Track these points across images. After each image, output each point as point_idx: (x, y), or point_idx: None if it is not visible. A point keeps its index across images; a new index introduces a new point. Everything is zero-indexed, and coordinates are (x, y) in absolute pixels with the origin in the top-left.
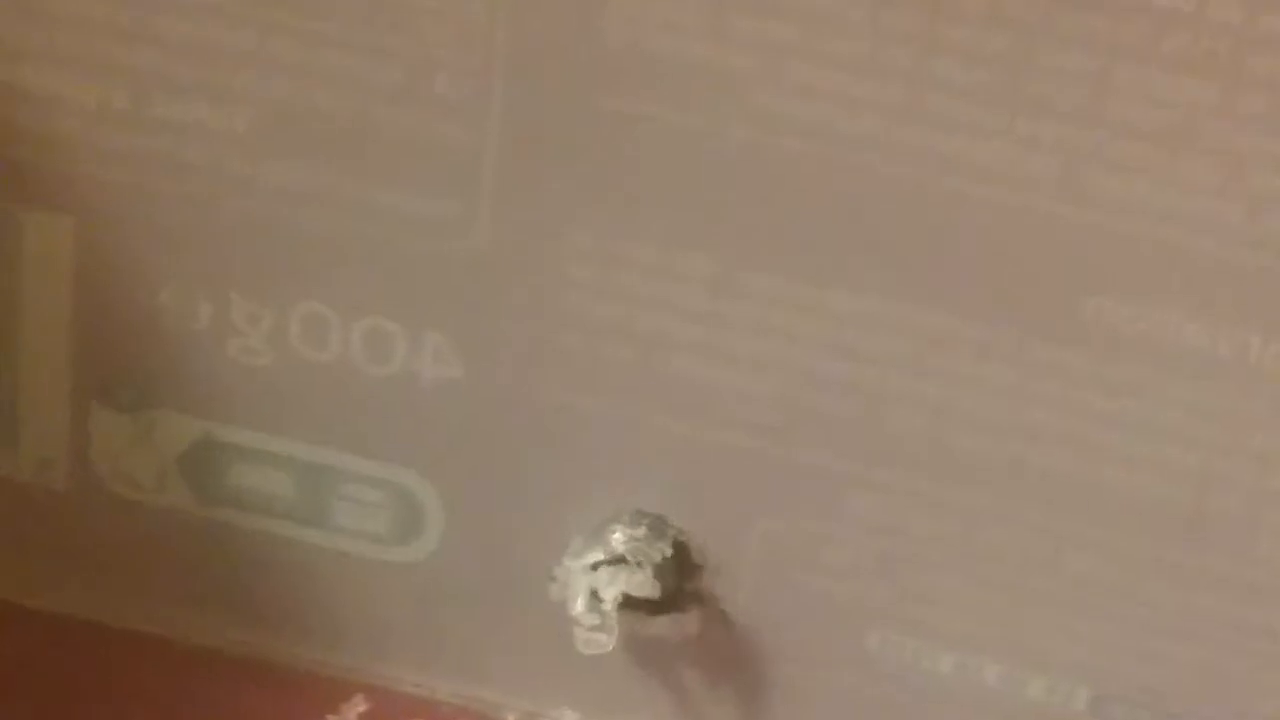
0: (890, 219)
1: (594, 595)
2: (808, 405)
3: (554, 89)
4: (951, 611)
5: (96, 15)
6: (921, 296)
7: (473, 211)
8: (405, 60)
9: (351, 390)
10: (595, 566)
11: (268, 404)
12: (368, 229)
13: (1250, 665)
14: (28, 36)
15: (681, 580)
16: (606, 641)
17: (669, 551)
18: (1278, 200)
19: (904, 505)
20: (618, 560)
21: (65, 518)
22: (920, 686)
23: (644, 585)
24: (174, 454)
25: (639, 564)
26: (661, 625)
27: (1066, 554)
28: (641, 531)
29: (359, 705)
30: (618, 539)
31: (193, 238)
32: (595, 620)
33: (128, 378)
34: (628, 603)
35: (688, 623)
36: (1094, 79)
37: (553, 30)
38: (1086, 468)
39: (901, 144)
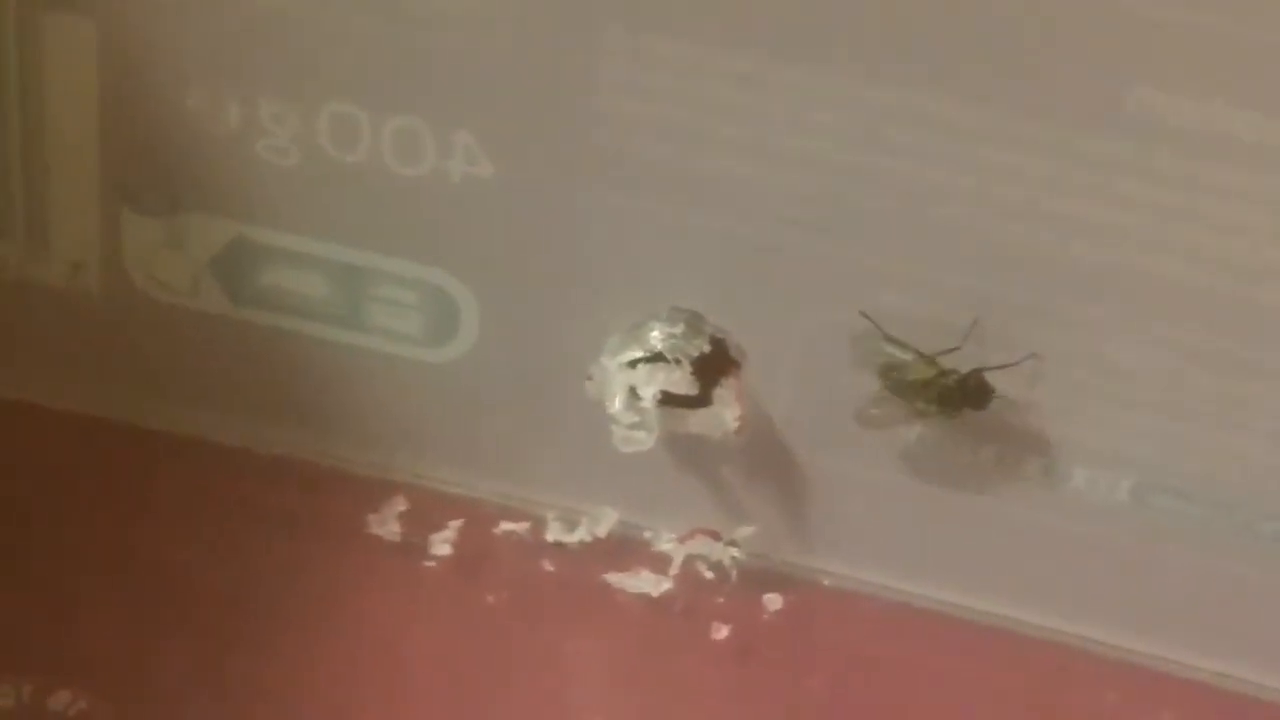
0: (926, 10)
1: (632, 393)
2: (846, 200)
3: None
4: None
5: None
6: (959, 89)
7: (501, 11)
8: None
9: (382, 191)
10: (633, 364)
11: (298, 205)
12: (396, 27)
13: None
14: None
15: (720, 377)
16: (646, 439)
17: (707, 348)
18: None
19: (943, 298)
20: (656, 357)
21: (100, 322)
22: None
23: (682, 382)
24: (206, 257)
25: (677, 361)
26: (700, 423)
27: (1108, 345)
28: (679, 328)
29: (399, 505)
30: (655, 336)
31: (216, 38)
32: (634, 418)
33: (157, 181)
34: (667, 400)
35: (727, 420)
36: None
37: None
38: (1131, 259)
39: None
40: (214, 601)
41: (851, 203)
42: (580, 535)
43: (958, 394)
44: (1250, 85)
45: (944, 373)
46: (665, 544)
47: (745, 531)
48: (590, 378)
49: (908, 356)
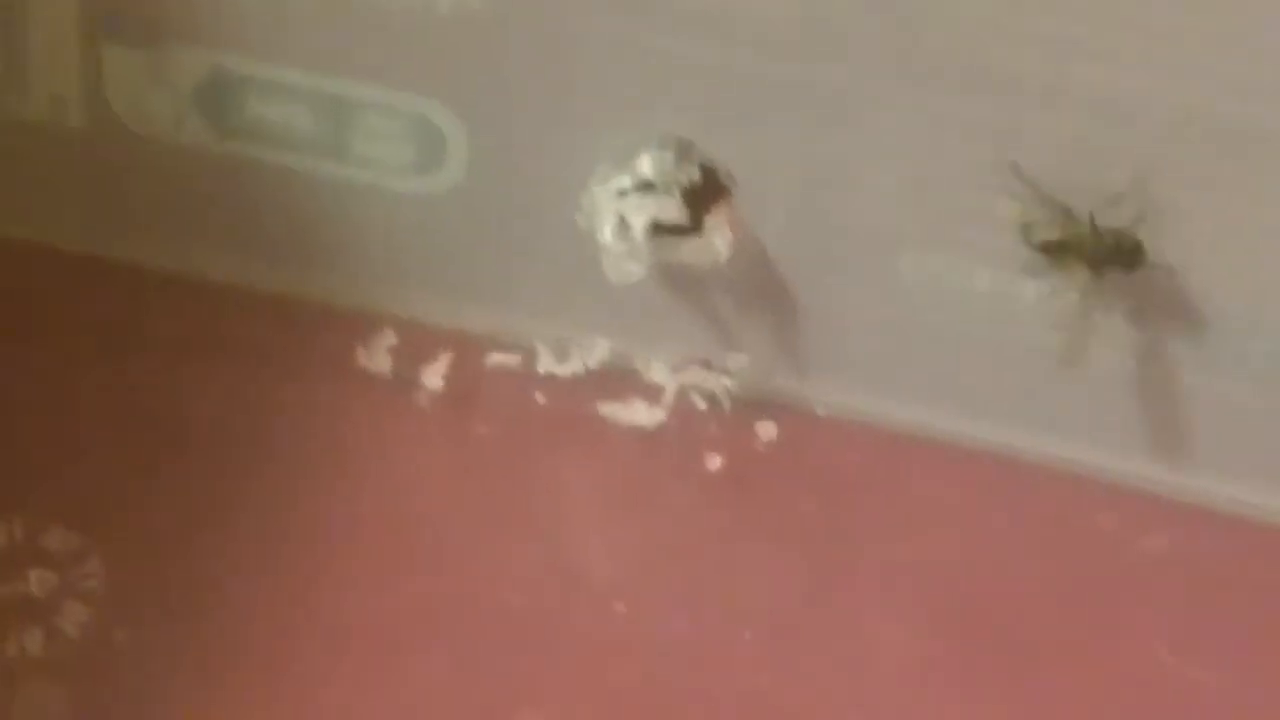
0: None
1: (623, 223)
2: (831, 22)
3: None
4: (985, 230)
5: None
6: None
7: None
8: None
9: (368, 19)
10: (623, 193)
11: (281, 34)
12: None
13: None
14: None
15: (711, 206)
16: (637, 270)
17: (696, 175)
18: None
19: (934, 124)
20: (645, 186)
21: (84, 157)
22: (954, 306)
23: (672, 211)
24: (188, 88)
25: (667, 189)
26: (691, 251)
27: (1104, 167)
28: (668, 156)
29: (388, 338)
30: (644, 164)
31: None
32: (624, 248)
33: (135, 11)
34: (657, 230)
35: (718, 248)
36: None
37: None
38: (1125, 79)
39: None
40: (204, 437)
41: (836, 25)
42: (572, 366)
43: (1112, 253)
44: None
45: (1096, 231)
46: (658, 374)
47: (739, 360)
48: (580, 207)
49: (1052, 215)
